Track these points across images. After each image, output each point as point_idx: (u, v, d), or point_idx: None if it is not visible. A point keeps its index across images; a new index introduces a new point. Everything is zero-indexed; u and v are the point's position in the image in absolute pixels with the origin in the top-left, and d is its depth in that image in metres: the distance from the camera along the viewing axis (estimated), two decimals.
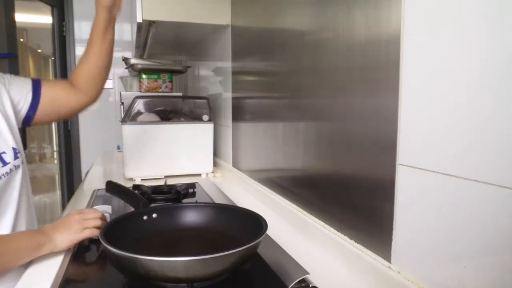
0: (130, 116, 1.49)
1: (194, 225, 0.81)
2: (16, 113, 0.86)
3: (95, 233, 0.77)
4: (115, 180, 1.16)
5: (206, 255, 0.56)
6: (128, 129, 1.47)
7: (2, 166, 0.78)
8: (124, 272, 0.67)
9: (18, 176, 0.81)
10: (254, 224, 0.70)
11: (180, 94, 1.92)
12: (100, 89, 1.00)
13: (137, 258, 0.57)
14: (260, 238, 0.63)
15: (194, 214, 0.82)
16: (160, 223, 0.80)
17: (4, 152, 0.79)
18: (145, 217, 0.79)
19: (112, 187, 1.12)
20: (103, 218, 0.82)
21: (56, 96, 0.93)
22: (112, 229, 0.69)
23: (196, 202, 1.12)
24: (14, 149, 0.81)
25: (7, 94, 0.84)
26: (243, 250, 0.59)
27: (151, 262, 0.57)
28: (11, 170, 0.79)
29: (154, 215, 0.80)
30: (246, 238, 0.63)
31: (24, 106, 0.87)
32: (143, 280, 0.63)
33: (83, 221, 0.77)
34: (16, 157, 0.81)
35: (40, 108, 0.89)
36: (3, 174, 0.77)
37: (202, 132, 1.55)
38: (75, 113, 1.00)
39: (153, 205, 0.97)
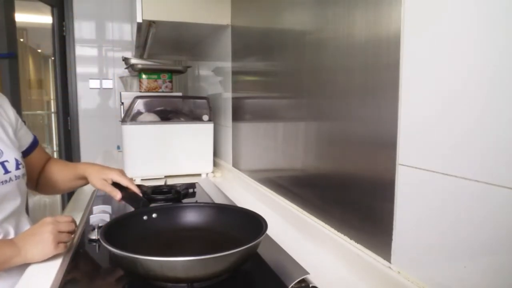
0: (130, 116, 1.49)
1: (194, 225, 0.81)
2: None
3: (65, 249, 0.75)
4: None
5: (206, 255, 0.56)
6: (128, 129, 1.47)
7: (4, 173, 0.79)
8: (124, 272, 0.67)
9: (16, 187, 0.82)
10: (254, 224, 0.70)
11: (180, 94, 1.91)
12: (56, 194, 1.09)
13: (137, 258, 0.57)
14: (260, 238, 0.63)
15: (194, 214, 0.82)
16: (160, 223, 0.80)
17: (7, 161, 0.81)
18: (145, 217, 0.79)
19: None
20: (74, 231, 0.78)
21: (34, 167, 0.98)
22: (112, 229, 0.69)
23: (196, 202, 1.12)
24: (16, 160, 0.83)
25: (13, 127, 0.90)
26: (243, 250, 0.59)
27: (151, 262, 0.57)
28: (10, 179, 0.81)
29: (154, 215, 0.80)
30: (246, 238, 0.62)
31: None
32: (143, 280, 0.63)
33: (57, 233, 0.72)
34: (17, 168, 0.83)
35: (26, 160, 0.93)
36: (2, 182, 0.79)
37: (202, 132, 1.55)
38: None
39: (153, 205, 0.97)
